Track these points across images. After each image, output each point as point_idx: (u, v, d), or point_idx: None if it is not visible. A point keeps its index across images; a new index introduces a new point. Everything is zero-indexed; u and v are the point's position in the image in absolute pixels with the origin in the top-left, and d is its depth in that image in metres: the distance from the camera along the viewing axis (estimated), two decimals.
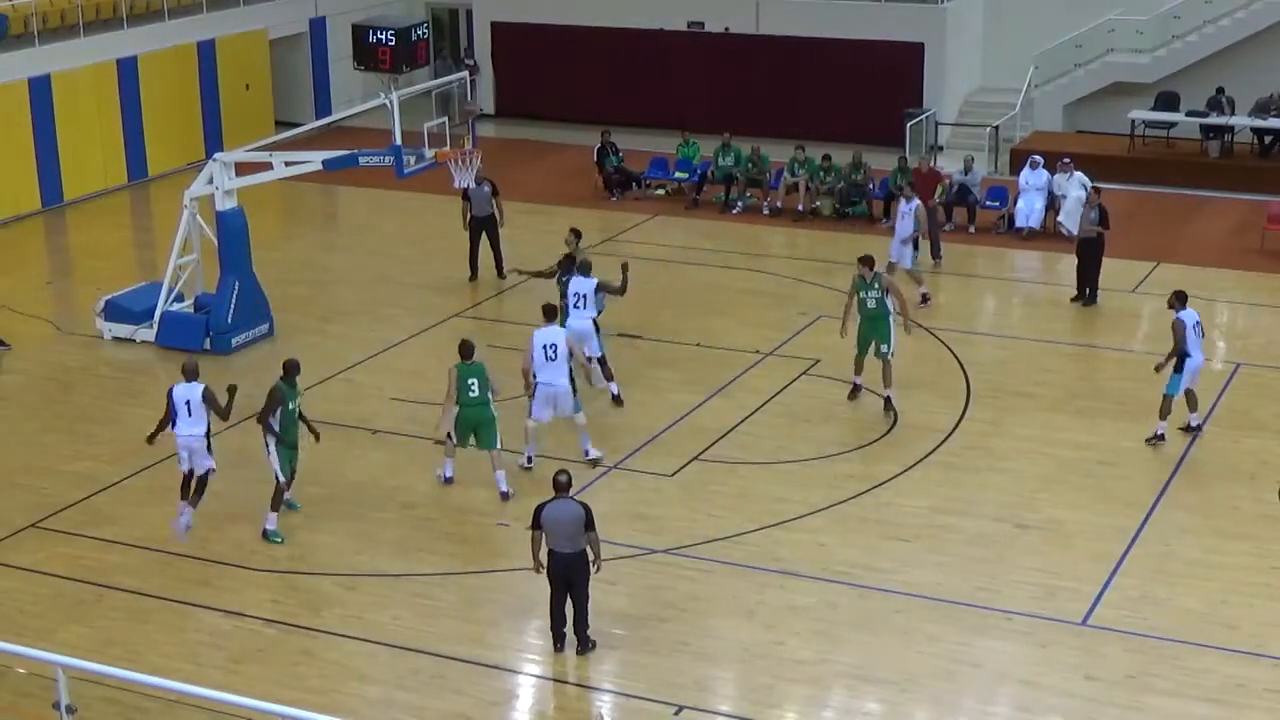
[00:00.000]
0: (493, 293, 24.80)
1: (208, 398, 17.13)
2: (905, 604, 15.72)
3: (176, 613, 15.76)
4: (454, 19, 39.78)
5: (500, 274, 25.26)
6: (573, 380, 18.55)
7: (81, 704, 12.30)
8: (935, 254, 26.08)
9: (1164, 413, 18.93)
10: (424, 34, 22.87)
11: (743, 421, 19.94)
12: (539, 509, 14.58)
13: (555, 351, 18.32)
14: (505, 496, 17.83)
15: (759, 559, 16.58)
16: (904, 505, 17.76)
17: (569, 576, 14.65)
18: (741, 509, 17.65)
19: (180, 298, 23.34)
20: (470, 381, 17.76)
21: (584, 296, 20.40)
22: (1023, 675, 14.52)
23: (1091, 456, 18.90)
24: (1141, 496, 17.86)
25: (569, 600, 14.77)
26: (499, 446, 17.95)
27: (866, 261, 20.19)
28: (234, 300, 22.62)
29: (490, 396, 17.89)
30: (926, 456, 18.99)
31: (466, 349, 17.98)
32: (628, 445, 19.32)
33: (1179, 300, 19.08)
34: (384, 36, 22.03)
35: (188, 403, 17.13)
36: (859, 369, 20.54)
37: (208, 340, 22.66)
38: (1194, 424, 19.21)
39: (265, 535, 17.21)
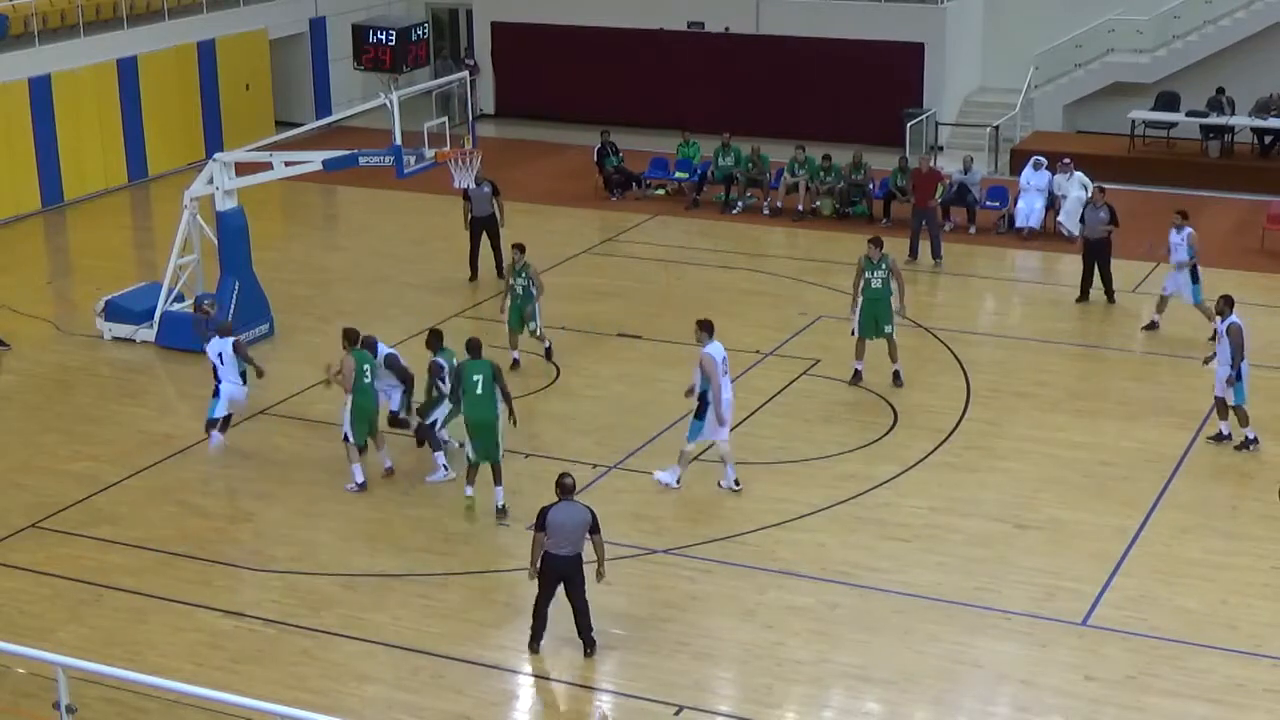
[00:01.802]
0: (493, 293, 24.76)
1: (238, 349, 18.95)
2: (905, 604, 15.72)
3: (176, 613, 15.76)
4: (454, 19, 39.80)
5: (500, 274, 25.24)
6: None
7: (81, 704, 12.30)
8: (935, 254, 26.09)
9: (1245, 420, 18.87)
10: (424, 34, 22.86)
11: (743, 421, 19.94)
12: (544, 511, 14.49)
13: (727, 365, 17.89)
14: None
15: (759, 559, 16.59)
16: (904, 505, 17.77)
17: (564, 579, 14.60)
18: (741, 509, 17.65)
19: (180, 298, 23.34)
20: (365, 368, 18.05)
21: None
22: (1023, 675, 14.52)
23: (1091, 456, 18.91)
24: (1141, 496, 17.86)
25: (568, 602, 14.71)
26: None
27: (876, 243, 20.67)
28: (234, 300, 22.61)
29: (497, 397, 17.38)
30: (926, 456, 18.99)
31: (351, 335, 18.31)
32: (628, 445, 19.32)
33: (1228, 305, 18.86)
34: (384, 36, 22.03)
35: (220, 355, 18.79)
36: (861, 353, 20.74)
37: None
38: (1225, 432, 19.12)
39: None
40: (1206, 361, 19.05)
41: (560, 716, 14.44)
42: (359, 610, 15.75)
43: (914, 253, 26.26)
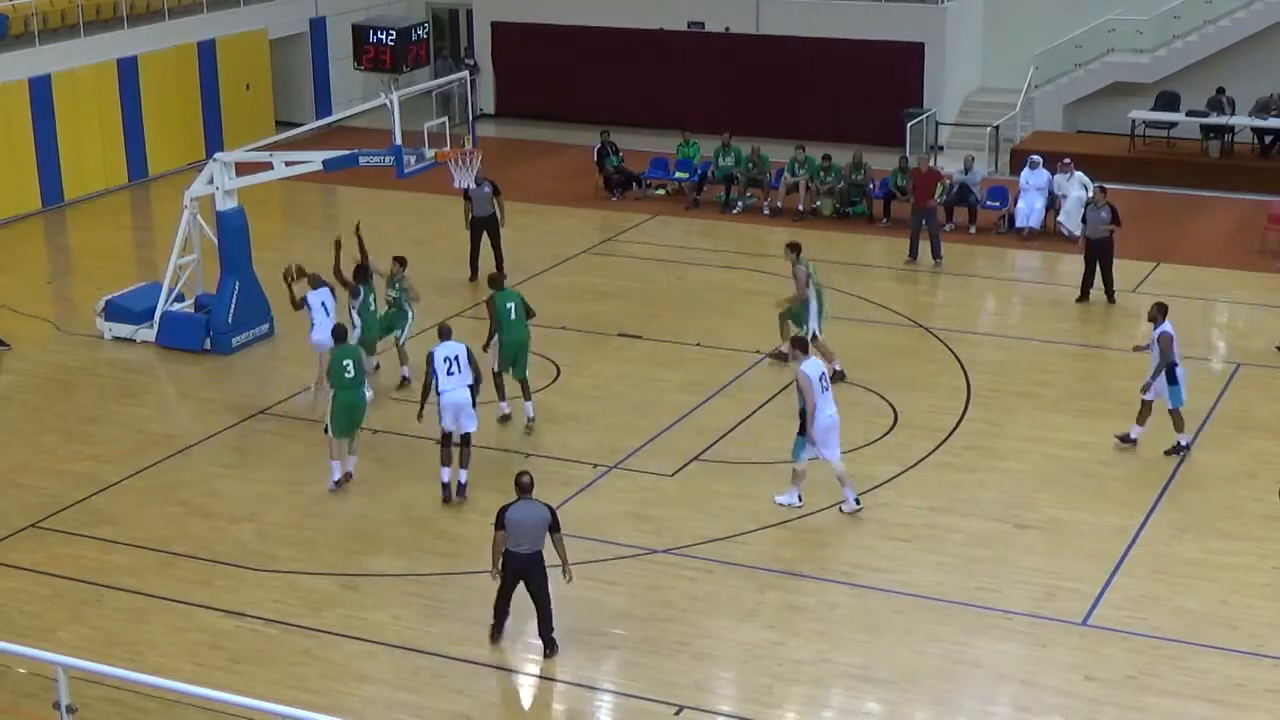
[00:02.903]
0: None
1: (470, 356, 17.84)
2: (905, 604, 15.72)
3: (176, 613, 15.76)
4: (454, 19, 39.79)
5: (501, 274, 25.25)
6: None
7: (81, 704, 12.30)
8: (935, 254, 26.09)
9: (1180, 425, 18.85)
10: (424, 34, 22.86)
11: (743, 421, 19.94)
12: (503, 510, 14.57)
13: (827, 380, 17.41)
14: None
15: (759, 559, 16.59)
16: (904, 505, 17.77)
17: (524, 577, 14.66)
18: (741, 509, 17.65)
19: (181, 298, 23.34)
20: (346, 362, 17.92)
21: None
22: (1023, 675, 14.52)
23: (1091, 456, 18.91)
24: (1141, 496, 17.86)
25: (529, 601, 14.77)
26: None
27: (795, 248, 21.22)
28: (234, 300, 22.62)
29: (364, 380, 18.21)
30: (926, 456, 18.99)
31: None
32: (628, 445, 19.32)
33: (1161, 312, 18.96)
34: (384, 36, 22.03)
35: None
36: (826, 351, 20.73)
37: (208, 340, 22.67)
38: (1134, 436, 19.02)
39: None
40: (1145, 390, 18.93)
41: (560, 716, 14.44)
42: (359, 610, 15.75)
43: (914, 253, 26.26)
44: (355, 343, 19.61)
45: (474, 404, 17.78)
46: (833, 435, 17.31)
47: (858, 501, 17.48)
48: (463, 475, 17.85)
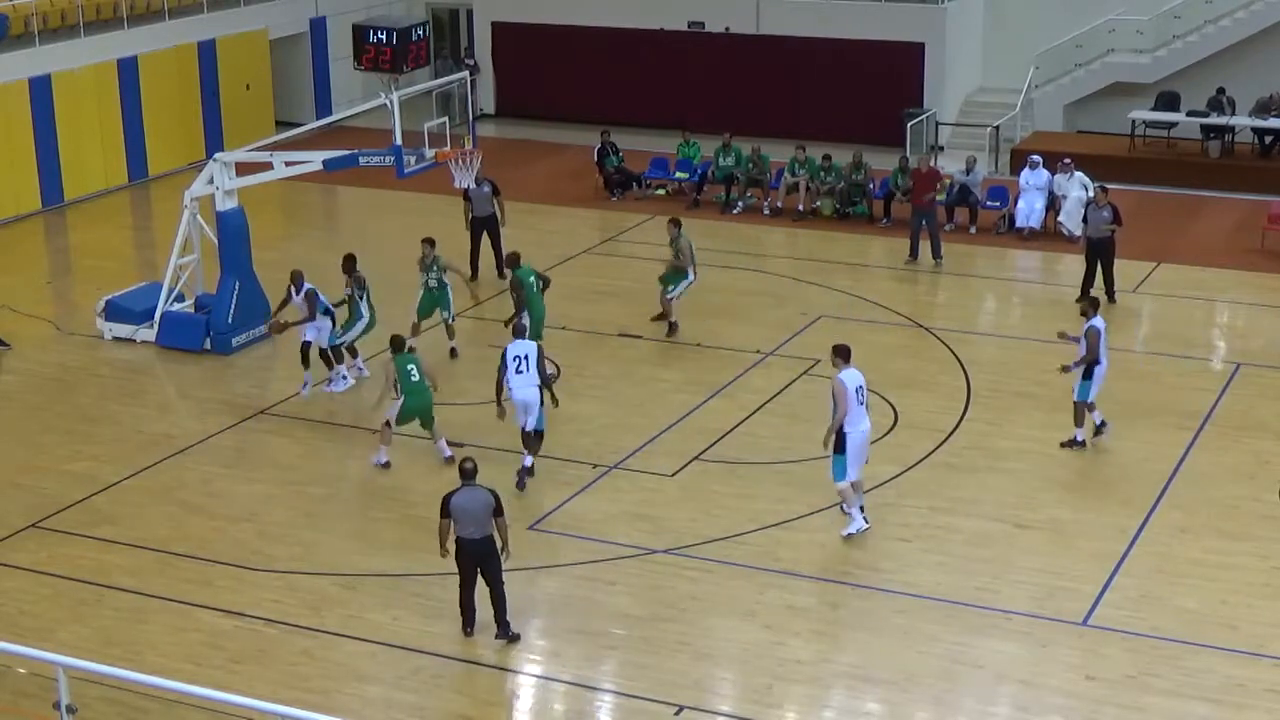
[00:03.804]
0: (494, 293, 24.77)
1: (540, 357, 18.38)
2: (905, 604, 15.72)
3: (176, 613, 15.76)
4: (454, 19, 39.79)
5: (501, 274, 25.25)
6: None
7: (81, 704, 12.29)
8: (935, 254, 26.09)
9: (1080, 420, 18.98)
10: (424, 34, 22.85)
11: (743, 421, 19.94)
12: (447, 497, 14.79)
13: (863, 395, 16.80)
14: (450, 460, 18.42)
15: (759, 559, 16.58)
16: (904, 505, 17.76)
17: (479, 562, 14.84)
18: (742, 509, 17.64)
19: (181, 298, 23.34)
20: (410, 368, 18.39)
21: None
22: (1023, 675, 14.52)
23: (1091, 456, 18.91)
24: (1141, 496, 17.86)
25: (481, 586, 14.94)
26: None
27: (677, 223, 22.93)
28: (234, 300, 22.62)
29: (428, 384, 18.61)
30: (927, 456, 18.99)
31: (397, 342, 18.72)
32: (628, 445, 19.32)
33: (1093, 307, 19.18)
34: (384, 36, 22.03)
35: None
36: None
37: (208, 340, 22.67)
38: (1099, 421, 19.19)
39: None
40: (1065, 370, 19.00)
41: (560, 716, 14.44)
42: (359, 610, 15.75)
43: (914, 253, 26.25)
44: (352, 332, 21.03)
45: (542, 403, 18.29)
46: (864, 453, 16.88)
47: (866, 521, 17.00)
48: (529, 459, 18.34)
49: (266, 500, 18.21)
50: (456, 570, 15.01)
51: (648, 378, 21.52)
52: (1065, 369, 19.03)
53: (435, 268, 22.00)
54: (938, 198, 26.77)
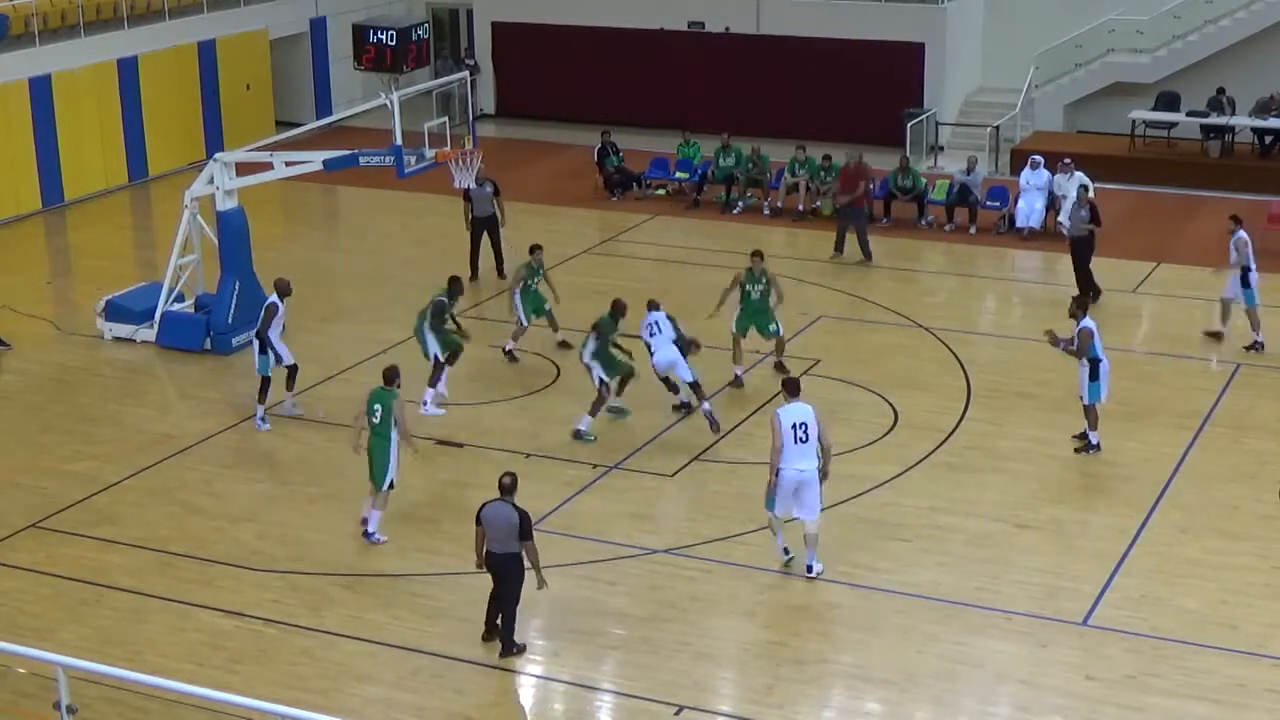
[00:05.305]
0: (494, 293, 24.77)
1: (671, 320, 19.52)
2: (905, 604, 15.72)
3: (176, 613, 15.76)
4: (454, 19, 39.78)
5: (501, 274, 25.27)
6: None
7: (81, 704, 12.30)
8: (864, 253, 26.09)
9: (1094, 423, 18.92)
10: (424, 34, 22.86)
11: (743, 421, 19.93)
12: (482, 507, 14.71)
13: (806, 432, 15.69)
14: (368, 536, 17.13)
15: (759, 559, 16.57)
16: (904, 505, 17.76)
17: (497, 577, 14.77)
18: (741, 509, 17.62)
19: (181, 298, 23.34)
20: (375, 407, 16.84)
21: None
22: (1023, 675, 14.52)
23: (1091, 456, 18.90)
24: (1141, 496, 17.86)
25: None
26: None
27: (758, 255, 21.43)
28: (234, 300, 22.61)
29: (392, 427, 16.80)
30: (926, 456, 18.99)
31: (386, 374, 17.14)
32: (628, 445, 19.32)
33: (1080, 308, 19.07)
34: (384, 36, 22.03)
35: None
36: (740, 357, 21.05)
37: (208, 340, 22.67)
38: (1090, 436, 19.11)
39: (577, 435, 19.32)
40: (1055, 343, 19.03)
41: (560, 716, 14.44)
42: (359, 610, 15.75)
43: (838, 248, 26.38)
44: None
45: (685, 356, 19.36)
46: (793, 492, 15.72)
47: (787, 553, 16.20)
48: (705, 405, 19.35)
49: (266, 500, 18.21)
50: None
51: (648, 378, 21.47)
52: (1062, 346, 18.91)
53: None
54: (865, 195, 26.66)
